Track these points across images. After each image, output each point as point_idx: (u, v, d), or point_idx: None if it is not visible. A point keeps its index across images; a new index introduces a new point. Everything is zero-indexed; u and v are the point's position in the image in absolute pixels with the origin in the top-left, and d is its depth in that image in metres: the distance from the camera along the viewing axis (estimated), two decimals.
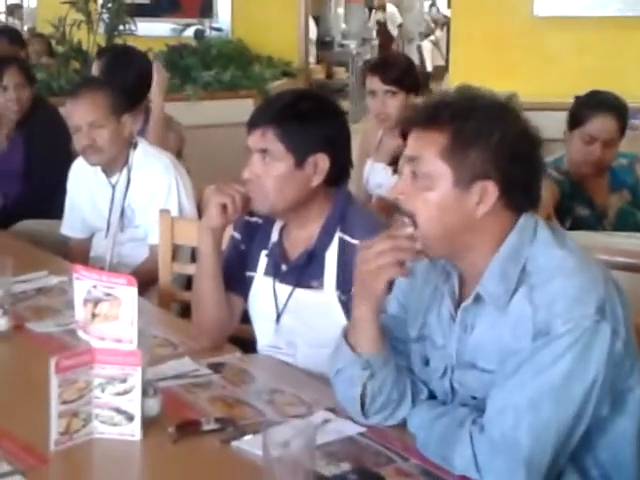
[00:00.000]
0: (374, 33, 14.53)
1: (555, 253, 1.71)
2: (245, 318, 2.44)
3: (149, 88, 4.02)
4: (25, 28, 9.64)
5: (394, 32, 14.63)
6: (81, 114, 3.13)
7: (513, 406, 1.63)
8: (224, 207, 2.23)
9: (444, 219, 1.72)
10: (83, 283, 1.85)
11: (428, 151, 1.73)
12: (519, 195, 1.75)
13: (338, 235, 2.24)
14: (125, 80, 3.84)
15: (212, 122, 5.78)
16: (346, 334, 1.87)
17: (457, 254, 1.78)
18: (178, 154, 4.05)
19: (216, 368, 2.20)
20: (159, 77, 4.05)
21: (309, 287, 2.26)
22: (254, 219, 2.37)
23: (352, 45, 13.36)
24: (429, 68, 14.20)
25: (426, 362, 1.89)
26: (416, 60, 11.08)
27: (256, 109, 2.29)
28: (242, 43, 7.72)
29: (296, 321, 2.29)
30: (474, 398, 1.77)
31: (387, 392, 1.85)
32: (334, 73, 12.80)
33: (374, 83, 3.85)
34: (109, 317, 1.82)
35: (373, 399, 1.86)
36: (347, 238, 2.23)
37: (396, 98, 3.82)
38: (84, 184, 3.37)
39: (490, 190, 1.70)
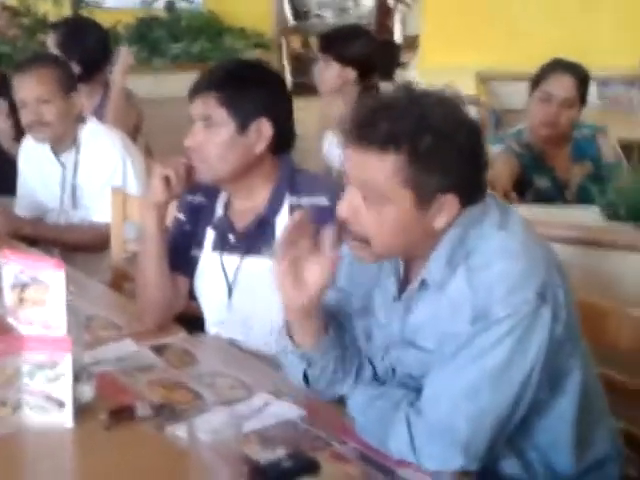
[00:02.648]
0: (350, 2, 14.33)
1: (497, 235, 1.64)
2: (194, 295, 2.39)
3: (106, 59, 3.97)
4: None
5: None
6: (28, 89, 3.07)
7: (450, 393, 1.59)
8: (167, 180, 2.21)
9: (402, 237, 1.64)
10: (10, 267, 1.79)
11: (381, 174, 1.58)
12: (473, 192, 1.67)
13: (288, 200, 2.20)
14: (81, 52, 3.86)
15: (180, 95, 5.68)
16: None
17: (408, 255, 1.74)
18: (136, 129, 3.99)
19: (159, 350, 2.15)
20: (124, 60, 4.00)
21: (259, 254, 2.21)
22: (197, 200, 2.33)
23: (328, 15, 13.24)
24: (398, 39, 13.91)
25: (369, 338, 1.85)
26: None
27: (197, 78, 2.24)
28: (213, 15, 7.61)
29: (249, 297, 2.24)
30: (412, 377, 1.72)
31: (329, 376, 1.84)
32: (310, 44, 12.69)
33: None
34: (37, 302, 1.76)
35: (316, 381, 1.85)
36: (298, 201, 2.19)
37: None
38: (35, 163, 3.29)
39: (451, 202, 1.62)
